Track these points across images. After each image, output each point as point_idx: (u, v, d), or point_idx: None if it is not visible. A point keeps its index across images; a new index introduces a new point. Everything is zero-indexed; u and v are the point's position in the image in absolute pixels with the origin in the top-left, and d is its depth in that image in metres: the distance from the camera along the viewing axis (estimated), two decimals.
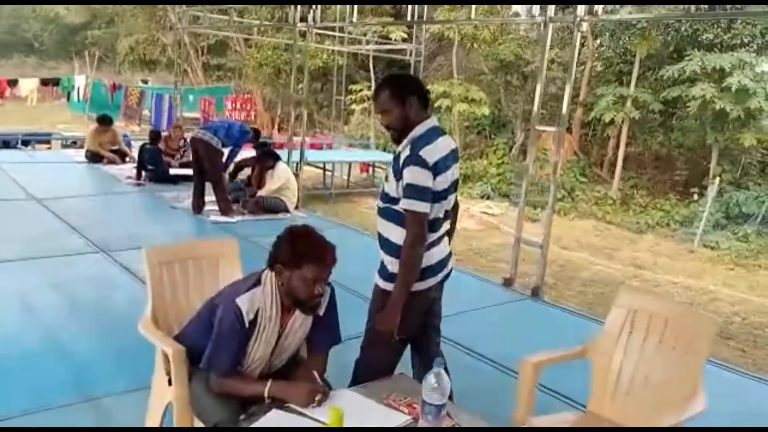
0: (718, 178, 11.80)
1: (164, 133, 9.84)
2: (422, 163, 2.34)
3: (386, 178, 2.52)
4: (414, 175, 2.34)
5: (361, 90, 19.37)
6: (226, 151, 6.91)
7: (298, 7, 9.62)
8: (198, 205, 6.95)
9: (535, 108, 5.36)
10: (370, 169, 15.25)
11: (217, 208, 7.06)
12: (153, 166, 8.42)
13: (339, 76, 24.29)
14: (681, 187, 14.87)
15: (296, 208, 7.53)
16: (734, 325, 7.35)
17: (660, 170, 15.56)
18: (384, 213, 2.51)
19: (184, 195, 7.91)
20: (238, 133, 6.97)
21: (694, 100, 12.59)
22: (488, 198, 14.62)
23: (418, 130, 2.44)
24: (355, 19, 12.59)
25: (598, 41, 17.11)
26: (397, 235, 2.44)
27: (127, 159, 10.04)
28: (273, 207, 7.28)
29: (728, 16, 12.39)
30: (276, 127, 25.00)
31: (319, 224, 7.09)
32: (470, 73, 19.73)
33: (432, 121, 2.49)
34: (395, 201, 2.43)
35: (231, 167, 7.36)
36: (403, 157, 2.40)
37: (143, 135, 15.19)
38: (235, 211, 7.06)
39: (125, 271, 4.85)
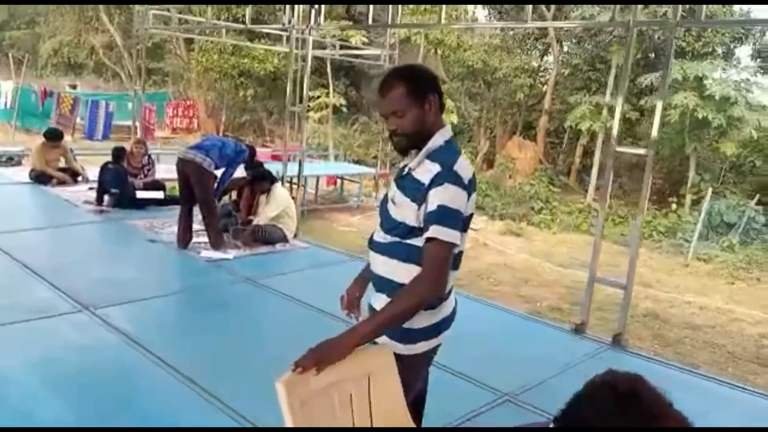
0: (710, 188, 11.53)
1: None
2: (460, 182, 1.86)
3: (392, 201, 1.97)
4: (451, 195, 1.84)
5: (319, 97, 18.32)
6: (218, 173, 5.86)
7: (250, 7, 8.67)
8: (185, 238, 5.85)
9: (616, 128, 4.53)
10: (338, 182, 14.31)
11: (206, 240, 5.99)
12: (118, 188, 7.19)
13: (293, 82, 23.19)
14: (655, 196, 14.70)
15: (295, 236, 6.54)
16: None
17: (634, 179, 15.35)
18: (387, 249, 1.98)
19: (159, 223, 6.78)
20: (233, 153, 5.93)
21: (674, 109, 12.37)
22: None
23: (438, 140, 1.95)
24: (322, 22, 11.70)
25: (565, 48, 16.83)
26: (406, 274, 1.90)
27: (80, 179, 8.72)
28: (271, 237, 6.26)
29: (707, 25, 12.20)
30: (221, 134, 23.60)
31: (326, 257, 6.14)
32: None
33: (449, 129, 2.02)
34: (409, 232, 1.92)
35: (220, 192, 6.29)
36: (426, 173, 1.88)
37: (81, 148, 13.69)
38: (228, 243, 6.01)
39: (124, 339, 3.76)
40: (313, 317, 4.32)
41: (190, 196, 5.83)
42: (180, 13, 12.56)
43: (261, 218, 6.19)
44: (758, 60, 16.12)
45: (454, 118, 16.17)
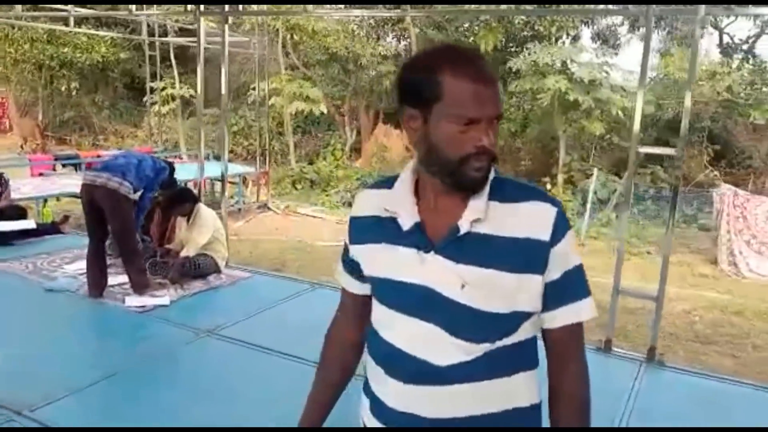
0: (596, 169, 12.01)
1: None
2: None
3: (462, 287, 1.14)
4: (574, 248, 1.25)
5: (164, 88, 16.34)
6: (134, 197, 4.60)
7: None
8: (99, 284, 4.52)
9: (636, 128, 4.12)
10: (206, 184, 12.83)
11: (123, 282, 4.73)
12: None
13: (130, 73, 20.60)
14: (525, 178, 15.19)
15: (226, 263, 5.43)
16: (699, 326, 7.19)
17: (503, 162, 15.72)
18: (482, 367, 1.16)
19: (46, 263, 5.28)
20: (152, 172, 4.67)
21: (545, 92, 12.73)
22: (349, 205, 13.25)
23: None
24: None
25: (427, 33, 16.68)
26: (531, 388, 1.24)
27: None
28: (204, 270, 5.12)
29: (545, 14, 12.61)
30: (40, 134, 20.38)
31: (277, 287, 5.16)
32: (287, 67, 17.96)
33: None
34: (523, 320, 1.19)
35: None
36: (526, 220, 1.16)
37: None
38: (152, 283, 4.78)
39: None
40: None
41: (101, 230, 4.52)
42: None
43: (190, 247, 5.01)
44: (599, 42, 17.34)
45: (323, 108, 15.37)
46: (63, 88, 18.94)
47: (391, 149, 16.58)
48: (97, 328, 4.21)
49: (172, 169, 5.00)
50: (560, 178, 13.73)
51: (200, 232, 5.09)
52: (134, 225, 4.63)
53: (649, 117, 14.00)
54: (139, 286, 4.63)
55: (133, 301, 4.47)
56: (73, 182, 9.08)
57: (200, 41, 5.41)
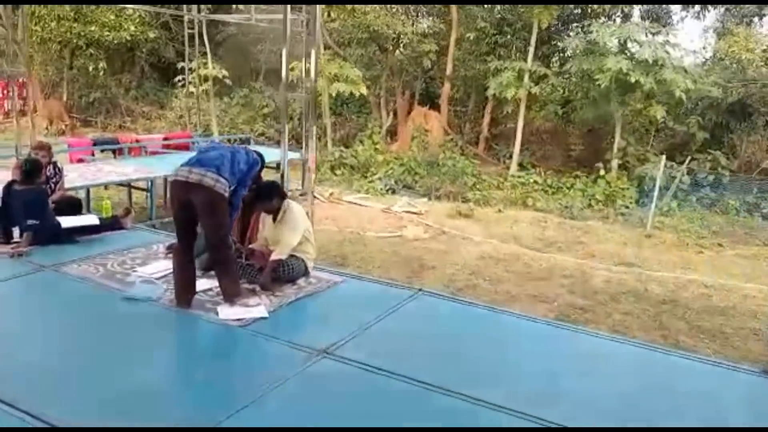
0: (663, 156, 11.35)
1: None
2: None
3: None
4: None
5: (195, 68, 15.65)
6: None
7: None
8: (188, 294, 4.00)
9: None
10: None
11: (207, 289, 4.22)
12: (37, 218, 4.98)
13: (156, 53, 19.98)
14: (575, 163, 14.55)
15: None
16: None
17: (554, 146, 15.08)
18: None
19: (116, 264, 4.78)
20: (246, 166, 4.12)
21: (604, 73, 12.04)
22: (393, 192, 12.70)
23: None
24: None
25: (468, 9, 15.94)
26: None
27: None
28: (296, 274, 4.60)
29: None
30: (68, 115, 19.85)
31: (371, 293, 4.61)
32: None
33: None
34: None
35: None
36: None
37: None
38: (246, 292, 4.26)
39: None
40: None
41: (192, 231, 4.00)
42: None
43: (282, 249, 4.48)
44: (648, 21, 16.51)
45: (363, 89, 14.74)
46: (90, 68, 18.38)
47: (430, 131, 15.96)
48: (202, 347, 3.69)
49: (263, 161, 4.45)
50: (614, 163, 13.09)
51: (292, 232, 4.54)
52: (229, 227, 4.10)
53: (708, 100, 13.29)
54: (231, 295, 4.09)
55: (228, 313, 3.94)
56: (116, 170, 8.59)
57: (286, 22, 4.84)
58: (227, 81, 16.82)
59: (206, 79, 16.02)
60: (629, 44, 12.02)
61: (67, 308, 4.03)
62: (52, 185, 6.03)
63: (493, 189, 12.75)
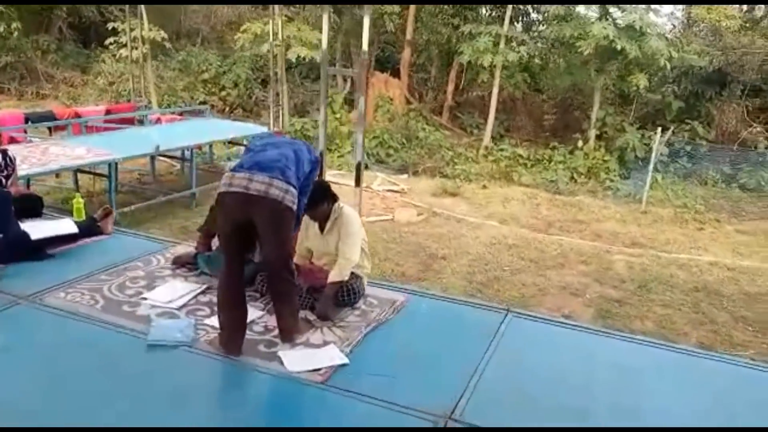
0: (659, 128, 10.90)
1: None
2: None
3: None
4: None
5: (130, 30, 13.87)
6: None
7: None
8: (238, 334, 3.00)
9: None
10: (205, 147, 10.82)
11: (260, 325, 3.23)
12: (0, 230, 3.75)
13: (76, 12, 17.84)
14: (547, 133, 14.01)
15: None
16: None
17: (524, 116, 14.45)
18: None
19: (113, 291, 3.65)
20: (309, 165, 3.11)
21: (584, 40, 11.44)
22: (366, 167, 11.69)
23: None
24: None
25: None
26: None
27: None
28: (360, 296, 3.66)
29: None
30: None
31: (449, 315, 3.68)
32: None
33: None
34: None
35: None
36: None
37: None
38: (306, 326, 3.29)
39: None
40: None
41: (244, 252, 2.99)
42: None
43: (344, 267, 3.51)
44: None
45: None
46: (2, 29, 16.08)
47: (393, 100, 14.99)
48: (283, 419, 2.70)
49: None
50: (592, 133, 12.63)
51: (351, 245, 3.57)
52: (293, 248, 3.11)
53: (682, 69, 12.99)
54: (291, 333, 3.14)
55: (297, 361, 2.96)
56: (64, 152, 7.19)
57: None
58: (166, 44, 15.12)
59: (142, 42, 14.24)
60: (611, 9, 11.44)
61: (66, 367, 2.89)
62: (2, 180, 4.74)
63: (471, 162, 12.02)
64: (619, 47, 11.06)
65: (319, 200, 3.54)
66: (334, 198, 3.68)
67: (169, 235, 6.99)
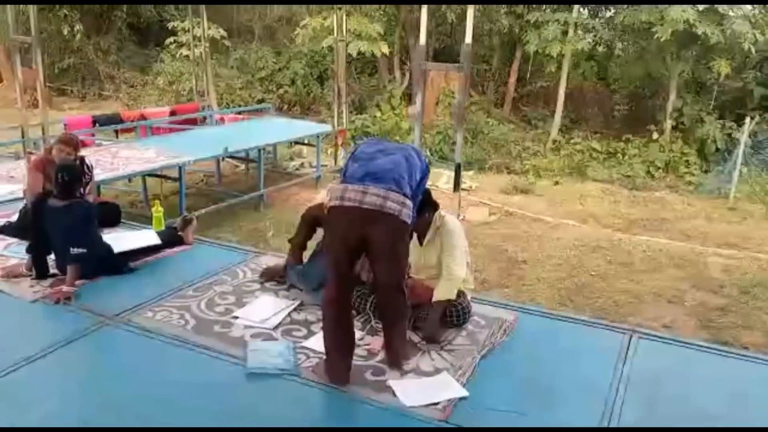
0: (757, 115, 10.18)
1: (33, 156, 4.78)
2: None
3: None
4: None
5: (190, 28, 13.82)
6: None
7: None
8: (346, 361, 2.73)
9: None
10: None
11: (363, 349, 2.95)
12: (84, 244, 3.59)
13: (136, 13, 18.08)
14: (618, 125, 13.36)
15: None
16: None
17: (593, 108, 13.82)
18: None
19: (202, 308, 3.44)
20: (420, 174, 2.82)
21: (661, 25, 10.75)
22: (430, 164, 11.33)
23: None
24: None
25: None
26: None
27: None
28: (468, 316, 3.35)
29: None
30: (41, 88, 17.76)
31: (570, 336, 3.27)
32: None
33: None
34: None
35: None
36: None
37: None
38: (413, 349, 3.00)
39: None
40: None
41: (354, 270, 2.71)
42: None
43: (451, 285, 3.20)
44: None
45: (385, 48, 13.24)
46: (65, 32, 16.36)
47: (454, 94, 14.53)
48: None
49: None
50: (668, 125, 11.92)
51: (457, 259, 3.26)
52: (407, 266, 2.81)
53: (767, 53, 12.14)
54: (399, 357, 2.85)
55: (412, 394, 2.66)
56: (135, 155, 7.11)
57: None
58: (225, 42, 15.09)
59: (203, 40, 14.18)
60: None
61: (163, 396, 2.67)
62: (82, 189, 4.60)
63: (539, 157, 11.52)
64: (699, 32, 10.36)
65: (422, 209, 3.22)
66: (435, 206, 3.37)
67: (241, 238, 6.87)
